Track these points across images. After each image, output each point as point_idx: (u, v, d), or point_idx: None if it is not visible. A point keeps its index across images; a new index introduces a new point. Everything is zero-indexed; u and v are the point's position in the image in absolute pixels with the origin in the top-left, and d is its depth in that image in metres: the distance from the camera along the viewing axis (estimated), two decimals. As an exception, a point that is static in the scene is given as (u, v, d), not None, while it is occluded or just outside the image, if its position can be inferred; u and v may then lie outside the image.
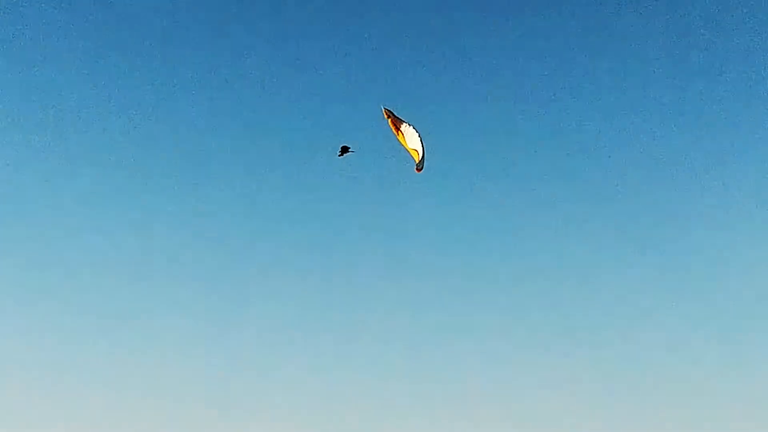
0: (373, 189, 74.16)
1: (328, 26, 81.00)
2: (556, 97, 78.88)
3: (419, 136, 34.68)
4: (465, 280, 68.26)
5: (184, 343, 65.18)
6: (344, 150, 34.42)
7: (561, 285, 69.20)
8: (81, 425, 57.88)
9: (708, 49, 77.41)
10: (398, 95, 78.92)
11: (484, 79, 79.87)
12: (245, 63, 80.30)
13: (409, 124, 34.74)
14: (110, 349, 64.05)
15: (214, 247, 71.56)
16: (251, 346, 65.72)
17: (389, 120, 35.47)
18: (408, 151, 34.88)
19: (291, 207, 76.13)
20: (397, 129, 35.10)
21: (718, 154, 75.17)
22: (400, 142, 35.27)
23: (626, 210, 74.23)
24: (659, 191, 74.90)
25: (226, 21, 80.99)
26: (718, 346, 62.47)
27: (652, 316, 66.09)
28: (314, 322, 67.15)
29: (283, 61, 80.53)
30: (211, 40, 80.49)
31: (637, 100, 77.94)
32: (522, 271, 70.57)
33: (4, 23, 72.49)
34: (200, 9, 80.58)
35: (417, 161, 34.40)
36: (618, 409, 59.25)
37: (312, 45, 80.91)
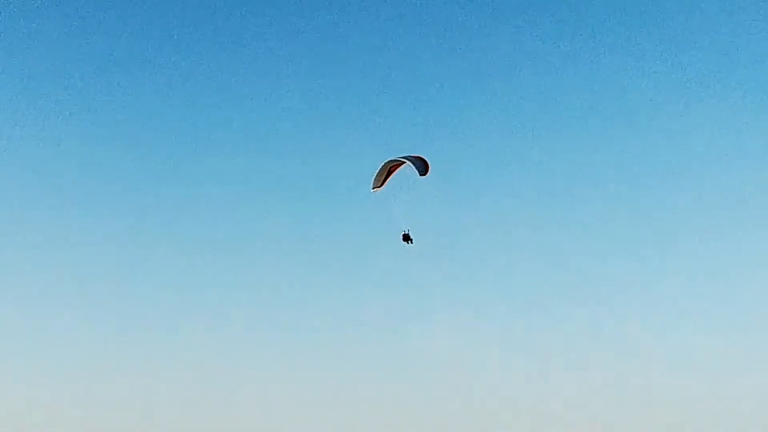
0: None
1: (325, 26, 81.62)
2: (557, 100, 79.73)
3: (402, 158, 38.23)
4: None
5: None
6: (406, 238, 40.45)
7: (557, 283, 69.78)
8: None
9: (709, 51, 78.05)
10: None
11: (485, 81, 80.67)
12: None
13: (391, 161, 38.60)
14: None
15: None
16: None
17: (387, 176, 39.32)
18: (414, 162, 38.30)
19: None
20: (394, 168, 39.18)
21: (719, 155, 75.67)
22: (407, 162, 38.51)
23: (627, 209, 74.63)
24: (660, 192, 75.21)
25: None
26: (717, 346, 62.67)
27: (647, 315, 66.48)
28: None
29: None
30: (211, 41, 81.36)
31: (638, 102, 78.55)
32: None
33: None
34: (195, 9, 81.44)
35: (422, 166, 37.97)
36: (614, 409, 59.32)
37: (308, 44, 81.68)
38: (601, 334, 65.06)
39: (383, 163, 38.68)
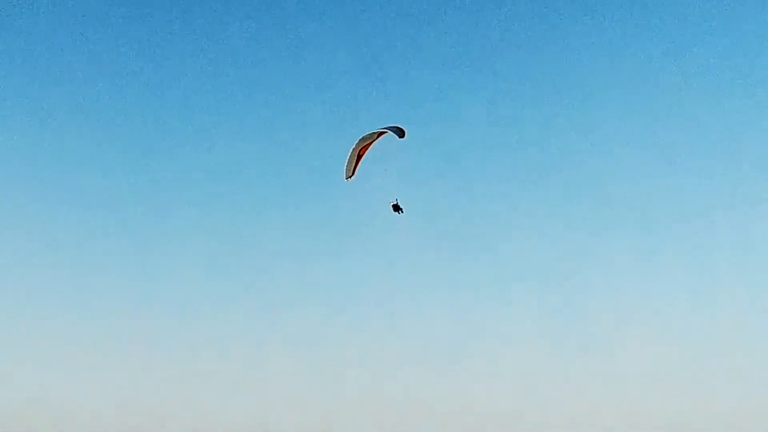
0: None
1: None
2: (557, 95, 79.58)
3: (367, 136, 37.98)
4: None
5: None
6: (396, 208, 40.64)
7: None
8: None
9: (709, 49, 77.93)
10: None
11: (482, 76, 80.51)
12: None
13: (356, 144, 38.39)
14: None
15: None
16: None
17: (358, 160, 38.98)
18: (389, 129, 37.85)
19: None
20: (363, 152, 38.86)
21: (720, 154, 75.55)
22: (377, 136, 38.26)
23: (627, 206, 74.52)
24: (661, 189, 75.10)
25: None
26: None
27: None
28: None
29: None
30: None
31: (639, 100, 78.46)
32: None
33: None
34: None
35: (399, 131, 37.54)
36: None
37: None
38: (596, 319, 65.07)
39: (351, 150, 38.33)
